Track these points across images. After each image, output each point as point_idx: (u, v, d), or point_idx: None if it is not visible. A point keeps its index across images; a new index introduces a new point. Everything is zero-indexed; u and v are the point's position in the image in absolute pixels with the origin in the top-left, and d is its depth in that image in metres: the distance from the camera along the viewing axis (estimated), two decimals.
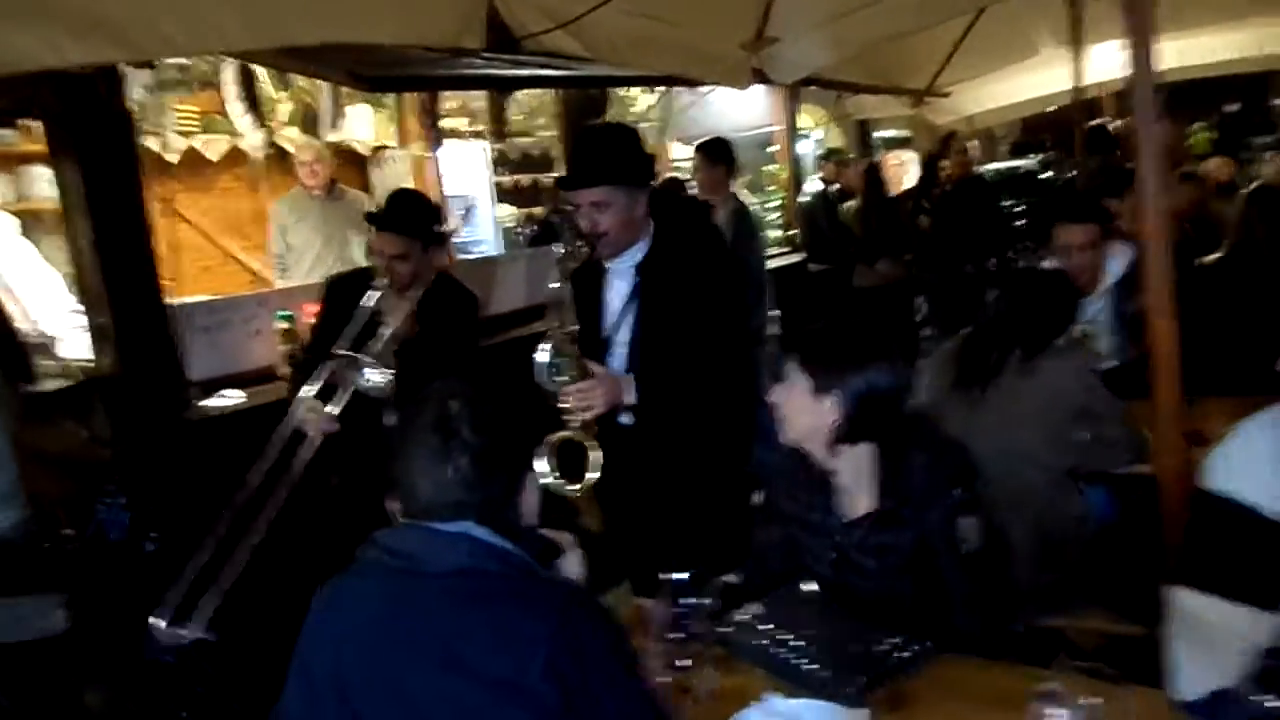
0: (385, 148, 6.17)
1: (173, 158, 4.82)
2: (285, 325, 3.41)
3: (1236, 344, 2.96)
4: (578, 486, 2.14)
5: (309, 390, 2.61)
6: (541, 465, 2.25)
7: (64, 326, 3.43)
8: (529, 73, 3.26)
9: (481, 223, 6.63)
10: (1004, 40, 5.58)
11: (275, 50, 2.60)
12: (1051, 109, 7.33)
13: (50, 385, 3.08)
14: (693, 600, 1.49)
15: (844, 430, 1.60)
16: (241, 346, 3.45)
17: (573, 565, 1.26)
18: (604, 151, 2.25)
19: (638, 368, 2.29)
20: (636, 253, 2.30)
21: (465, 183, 6.39)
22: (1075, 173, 6.01)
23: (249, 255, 6.03)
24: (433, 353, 2.72)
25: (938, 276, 5.95)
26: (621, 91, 5.05)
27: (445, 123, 5.71)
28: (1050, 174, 11.78)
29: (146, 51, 1.79)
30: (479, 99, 5.96)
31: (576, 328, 2.34)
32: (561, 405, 2.23)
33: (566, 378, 2.22)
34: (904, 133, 8.70)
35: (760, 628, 1.60)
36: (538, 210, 7.17)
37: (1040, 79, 6.20)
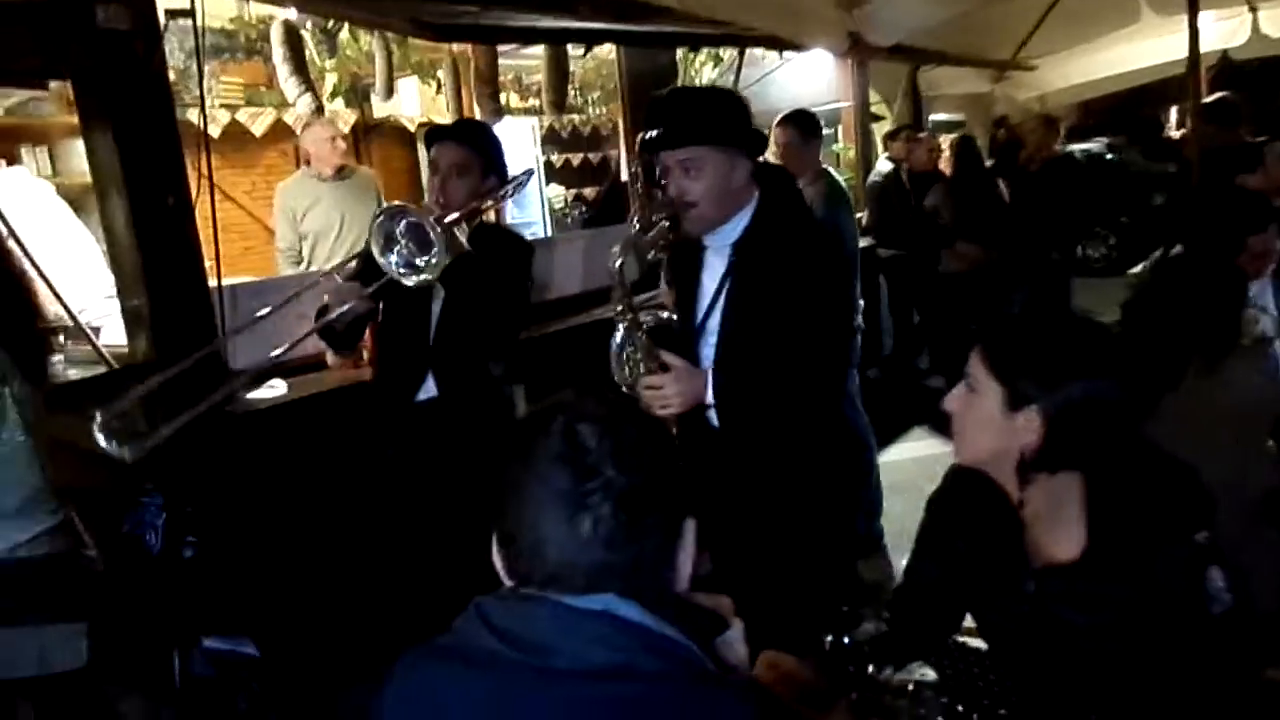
0: (433, 123, 5.90)
1: (214, 130, 4.57)
2: None
3: None
4: None
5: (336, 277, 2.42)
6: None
7: (103, 311, 3.18)
8: (605, 26, 2.93)
9: (530, 202, 6.34)
10: (1099, 6, 5.15)
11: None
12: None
13: (81, 373, 2.84)
14: (869, 668, 1.17)
15: (1044, 455, 1.27)
16: (286, 332, 3.16)
17: (737, 644, 0.94)
18: (700, 109, 1.93)
19: (730, 362, 1.98)
20: (733, 229, 1.98)
21: (515, 161, 6.10)
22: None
23: None
24: (483, 289, 2.45)
25: (1030, 263, 5.55)
26: (686, 62, 4.70)
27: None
28: (1112, 157, 11.33)
29: None
30: (534, 72, 5.65)
31: (656, 317, 2.08)
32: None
33: (640, 371, 1.95)
34: (958, 116, 8.31)
35: (931, 697, 1.28)
36: (589, 191, 6.86)
37: (1135, 50, 5.75)
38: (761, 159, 2.07)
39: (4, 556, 1.99)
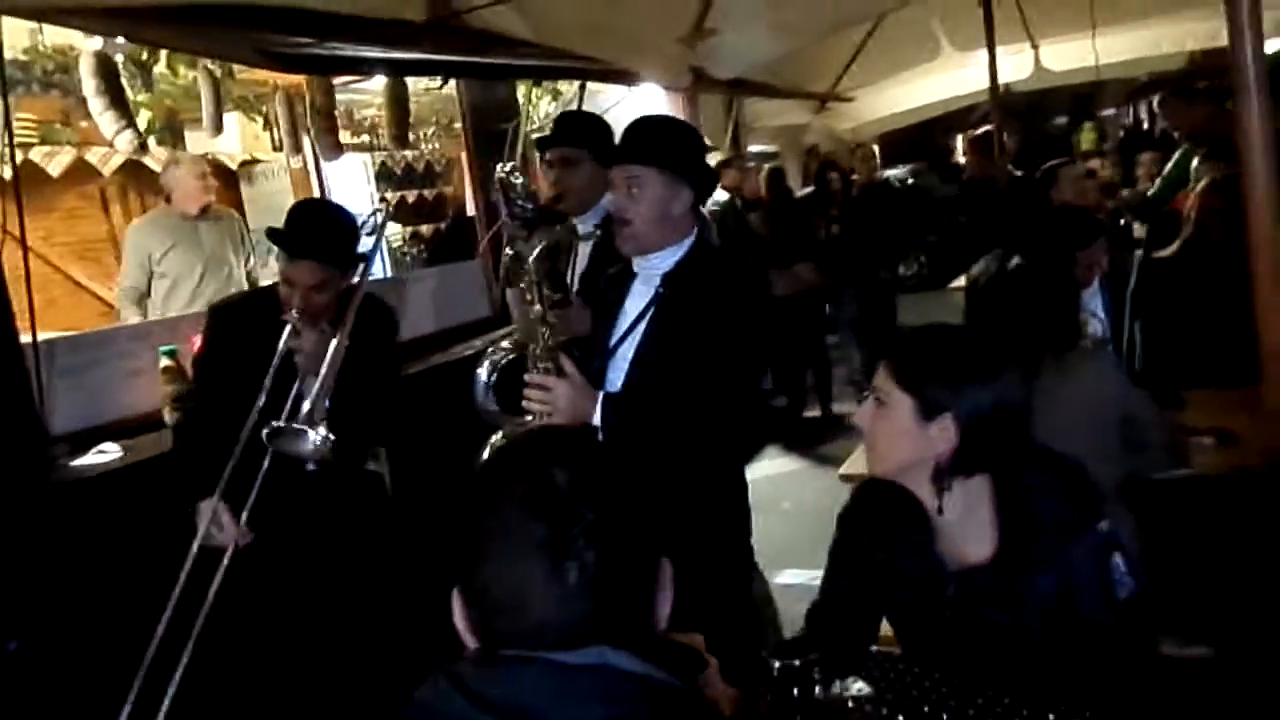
0: (257, 161, 5.59)
1: (4, 171, 4.12)
2: (170, 362, 2.86)
3: (1205, 338, 2.94)
4: None
5: (211, 502, 2.19)
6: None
7: None
8: (453, 59, 2.86)
9: (363, 241, 6.10)
10: (908, 43, 5.57)
11: (165, 25, 2.12)
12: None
13: None
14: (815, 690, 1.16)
15: (960, 460, 1.31)
16: (116, 390, 2.87)
17: (716, 681, 0.90)
18: (654, 133, 1.97)
19: (637, 392, 1.96)
20: (666, 259, 1.98)
21: (347, 199, 5.87)
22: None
23: (100, 284, 5.32)
24: (362, 381, 2.31)
25: (857, 282, 5.87)
26: (528, 96, 4.69)
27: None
28: (914, 182, 12.33)
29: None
30: (365, 107, 5.47)
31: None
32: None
33: (535, 368, 1.94)
34: (773, 146, 8.79)
35: (872, 710, 1.29)
36: (425, 228, 6.68)
37: (937, 83, 6.25)
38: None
39: None
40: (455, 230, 5.39)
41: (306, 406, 2.07)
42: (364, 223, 2.55)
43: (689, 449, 1.93)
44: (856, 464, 2.67)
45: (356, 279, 2.41)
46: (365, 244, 2.48)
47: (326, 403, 2.11)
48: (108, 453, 2.65)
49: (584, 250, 2.49)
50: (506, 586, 0.77)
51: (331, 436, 2.07)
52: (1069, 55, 6.00)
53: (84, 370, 2.80)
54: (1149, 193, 4.67)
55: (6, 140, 2.41)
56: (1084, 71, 5.76)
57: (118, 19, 2.07)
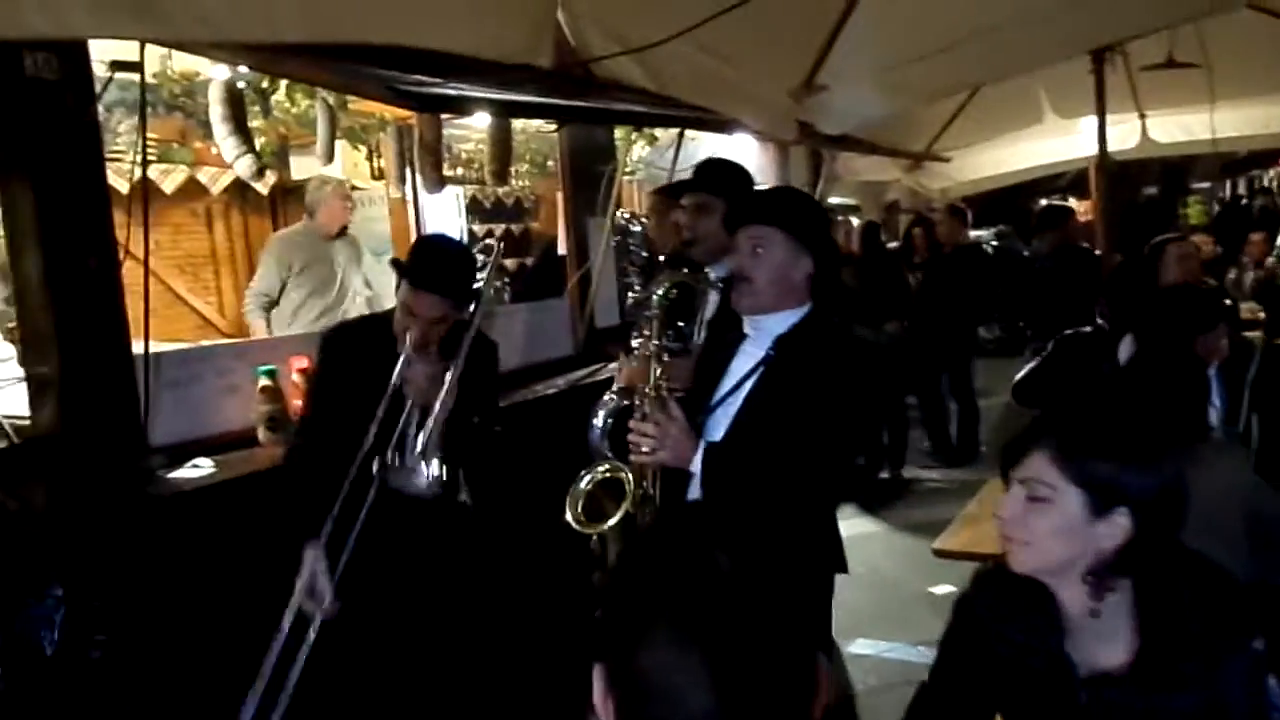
0: (356, 188, 5.74)
1: (123, 187, 4.30)
2: (268, 382, 2.91)
3: None
4: (604, 526, 1.97)
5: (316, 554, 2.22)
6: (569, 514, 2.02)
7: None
8: (562, 102, 2.90)
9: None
10: (1011, 106, 5.49)
11: (309, 60, 2.19)
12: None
13: None
14: None
15: (1124, 558, 1.23)
16: (214, 405, 2.93)
17: None
18: (780, 197, 2.08)
19: (734, 451, 1.93)
20: (781, 323, 1.97)
21: (439, 230, 5.98)
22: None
23: (198, 298, 5.51)
24: (467, 414, 2.32)
25: (944, 341, 5.75)
26: (626, 140, 4.74)
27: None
28: (999, 245, 12.13)
29: (177, 30, 1.38)
30: (463, 141, 5.58)
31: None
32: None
33: (644, 411, 1.96)
34: (853, 200, 8.75)
35: None
36: (509, 262, 6.77)
37: (1036, 148, 6.15)
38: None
39: None
40: (545, 266, 5.44)
41: (420, 443, 2.09)
42: (483, 290, 2.59)
43: (779, 509, 1.88)
44: (952, 540, 2.58)
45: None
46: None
47: (439, 439, 2.11)
48: (202, 467, 2.70)
49: (713, 299, 2.49)
50: (663, 675, 0.73)
51: (444, 475, 2.07)
52: (1177, 127, 5.87)
53: (186, 384, 2.86)
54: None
55: (140, 160, 2.49)
56: (1193, 145, 5.61)
57: (265, 53, 2.15)
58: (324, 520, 2.20)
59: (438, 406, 2.14)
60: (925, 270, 6.28)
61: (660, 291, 2.02)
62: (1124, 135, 5.70)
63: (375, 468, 2.12)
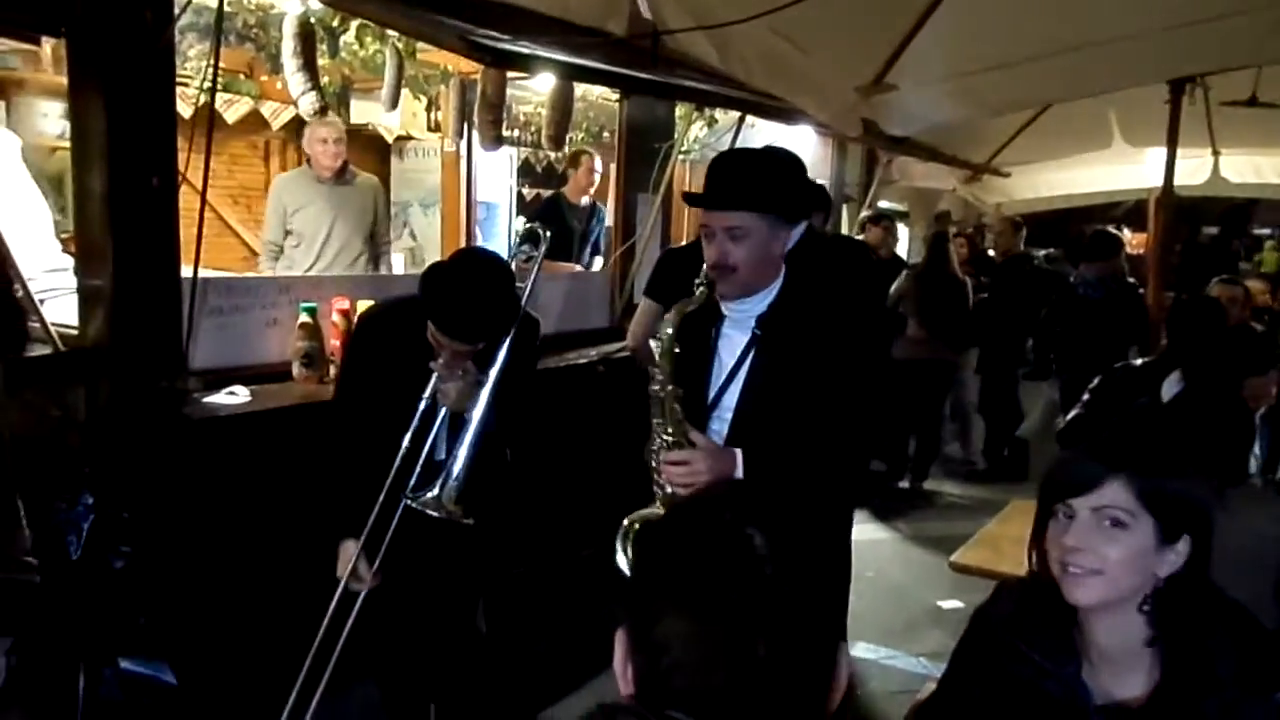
0: (411, 138, 5.77)
1: (186, 112, 4.35)
2: (307, 319, 2.94)
3: None
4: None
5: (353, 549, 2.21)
6: (619, 550, 1.90)
7: (43, 285, 2.92)
8: (654, 77, 2.88)
9: (499, 233, 6.21)
10: (1079, 128, 5.38)
11: (388, 4, 2.19)
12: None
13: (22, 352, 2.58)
14: None
15: (1180, 586, 1.22)
16: (254, 336, 2.97)
17: None
18: (754, 172, 1.87)
19: (744, 441, 1.90)
20: (760, 301, 1.91)
21: (489, 187, 5.99)
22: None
23: (247, 230, 5.57)
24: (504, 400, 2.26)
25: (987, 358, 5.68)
26: (687, 118, 4.71)
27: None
28: (1050, 268, 11.96)
29: None
30: (522, 103, 5.58)
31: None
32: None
33: (665, 444, 1.85)
34: (901, 206, 8.64)
35: None
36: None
37: (1102, 173, 6.04)
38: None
39: None
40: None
41: (450, 475, 2.10)
42: (521, 249, 2.57)
43: (827, 491, 1.87)
44: (969, 555, 2.56)
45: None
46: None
47: (463, 473, 2.12)
48: (238, 395, 2.73)
49: None
50: (690, 647, 0.73)
51: (466, 519, 2.11)
52: (1249, 168, 5.73)
53: (229, 312, 2.90)
54: None
55: (208, 86, 2.51)
56: (1263, 188, 5.48)
57: None
58: (360, 515, 2.18)
59: (474, 423, 2.12)
60: (980, 280, 6.19)
61: (670, 331, 1.84)
62: (1194, 170, 5.57)
63: (405, 498, 2.12)
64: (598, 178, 5.06)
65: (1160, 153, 4.52)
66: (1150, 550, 1.23)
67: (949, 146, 5.24)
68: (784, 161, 1.98)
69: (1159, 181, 4.53)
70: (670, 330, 1.84)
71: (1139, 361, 3.16)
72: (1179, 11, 2.92)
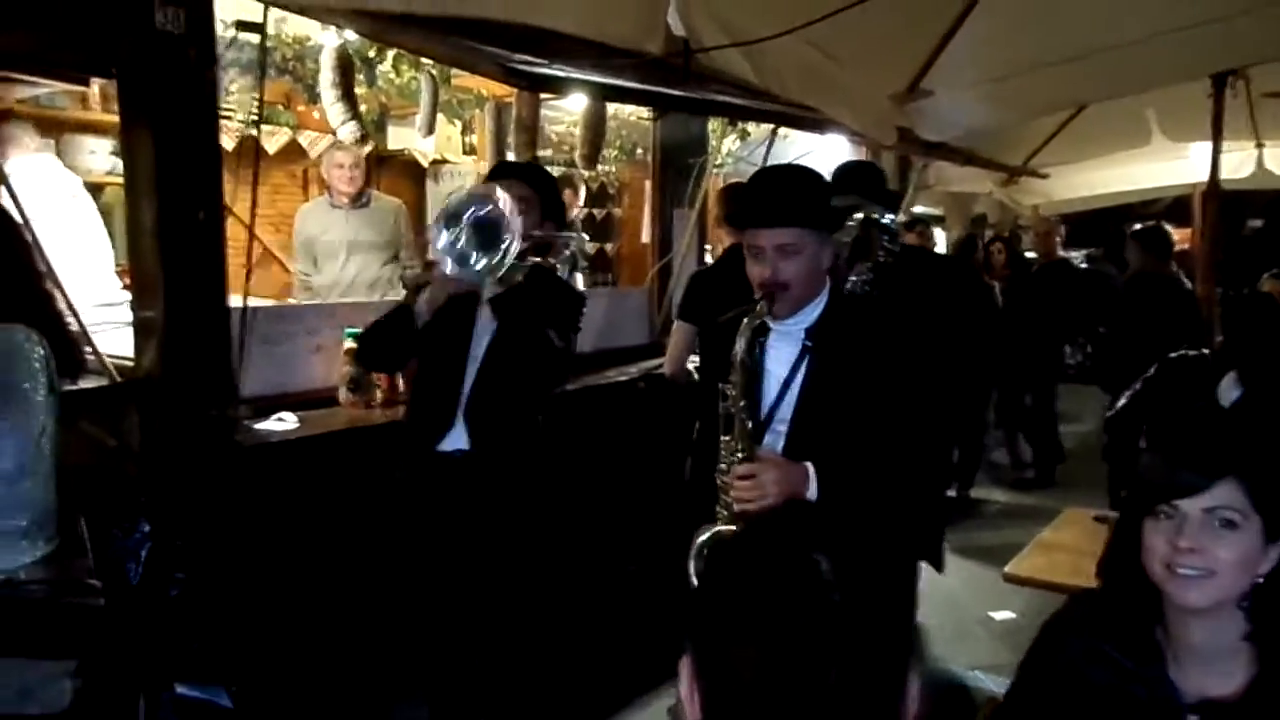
0: (446, 161, 5.83)
1: (229, 144, 4.45)
2: (353, 344, 2.98)
3: None
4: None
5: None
6: (691, 567, 1.89)
7: (96, 319, 3.00)
8: (687, 94, 2.90)
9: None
10: (1117, 127, 5.30)
11: (425, 32, 2.23)
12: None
13: (78, 383, 2.65)
14: None
15: (1270, 584, 1.22)
16: (301, 363, 3.02)
17: None
18: (798, 188, 1.90)
19: (802, 454, 1.89)
20: (809, 314, 1.93)
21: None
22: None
23: (287, 256, 5.66)
24: (534, 327, 2.38)
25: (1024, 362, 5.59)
26: (720, 133, 4.72)
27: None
28: (1090, 268, 11.73)
29: None
30: (555, 123, 5.62)
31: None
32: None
33: (734, 460, 1.85)
34: (938, 210, 8.55)
35: None
36: (589, 245, 6.81)
37: (1141, 170, 5.94)
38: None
39: (3, 580, 1.81)
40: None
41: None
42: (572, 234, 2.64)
43: (894, 509, 1.86)
44: (1023, 566, 2.52)
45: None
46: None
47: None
48: (286, 421, 2.78)
49: None
50: (759, 675, 0.73)
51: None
52: None
53: (277, 340, 2.96)
54: None
55: (250, 119, 2.56)
56: None
57: (385, 22, 2.19)
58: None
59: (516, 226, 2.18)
60: (1009, 286, 6.10)
61: (742, 346, 1.84)
62: (1238, 163, 5.47)
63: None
64: (576, 210, 5.08)
65: (1202, 147, 4.44)
66: (1257, 550, 1.22)
67: (985, 150, 5.19)
68: (817, 176, 2.00)
69: (1202, 176, 4.44)
70: (742, 345, 1.84)
71: (1191, 353, 3.08)
72: (1218, 5, 2.87)
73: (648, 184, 4.59)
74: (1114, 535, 1.35)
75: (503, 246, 2.16)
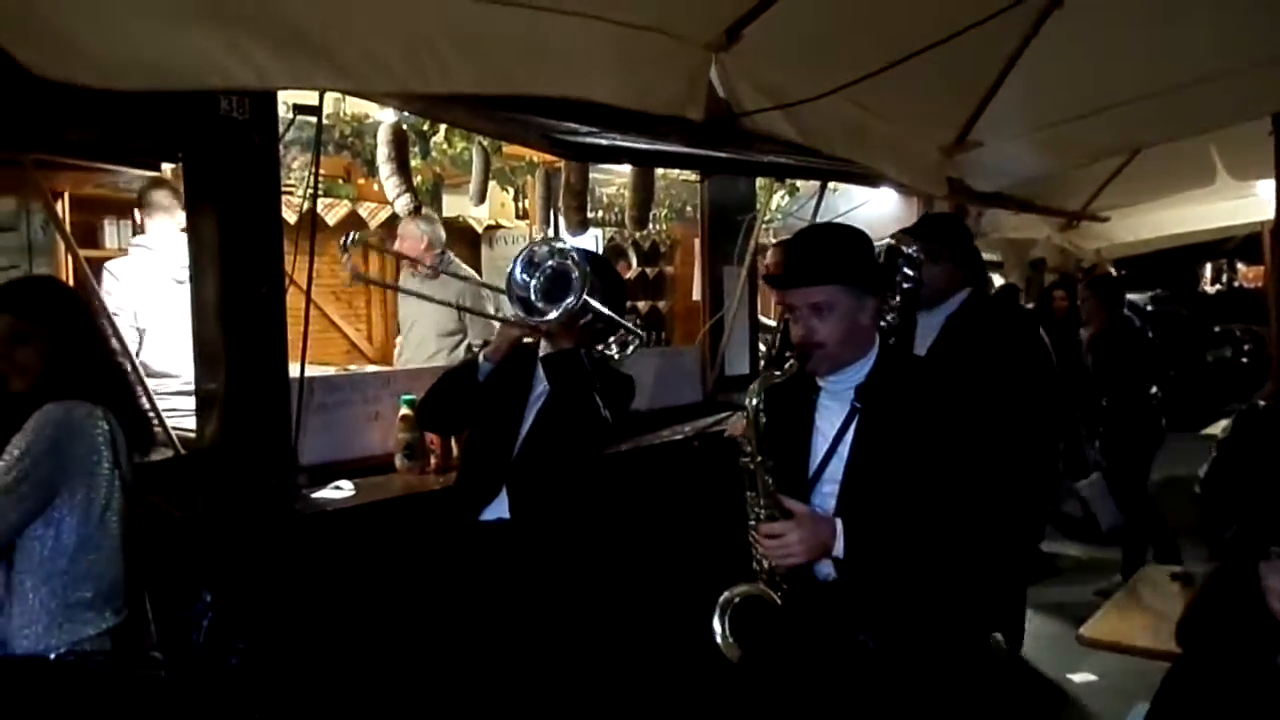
0: (501, 226, 5.96)
1: (291, 218, 4.61)
2: (409, 411, 3.03)
3: None
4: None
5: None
6: (716, 625, 1.84)
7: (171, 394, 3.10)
8: (731, 155, 2.93)
9: None
10: (1178, 167, 5.18)
11: (472, 109, 2.31)
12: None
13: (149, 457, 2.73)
14: None
15: None
16: (357, 430, 3.07)
17: None
18: (829, 247, 1.89)
19: (853, 513, 1.83)
20: (857, 372, 1.89)
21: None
22: None
23: (348, 325, 5.81)
24: (583, 399, 2.42)
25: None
26: (767, 191, 4.74)
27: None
28: (1156, 310, 11.35)
29: (358, 80, 1.48)
30: (605, 185, 5.72)
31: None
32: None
33: (761, 517, 1.80)
34: (995, 256, 8.41)
35: None
36: (641, 304, 6.85)
37: (1207, 211, 5.78)
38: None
39: (67, 651, 1.85)
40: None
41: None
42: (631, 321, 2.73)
43: (937, 570, 1.78)
44: (1099, 627, 2.41)
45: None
46: None
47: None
48: (343, 489, 2.82)
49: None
50: None
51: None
52: None
53: (334, 408, 3.01)
54: None
55: (310, 194, 2.66)
56: None
57: (434, 101, 2.26)
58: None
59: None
60: (1060, 341, 5.88)
61: (754, 402, 1.82)
62: None
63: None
64: (629, 274, 5.23)
65: (1269, 184, 4.31)
66: None
67: (1041, 196, 5.10)
68: (855, 234, 1.99)
69: (1270, 214, 4.30)
70: (754, 400, 1.82)
71: (1262, 404, 2.97)
72: (1274, 44, 2.81)
73: (697, 242, 4.61)
74: (1201, 592, 1.29)
75: (565, 303, 2.30)
